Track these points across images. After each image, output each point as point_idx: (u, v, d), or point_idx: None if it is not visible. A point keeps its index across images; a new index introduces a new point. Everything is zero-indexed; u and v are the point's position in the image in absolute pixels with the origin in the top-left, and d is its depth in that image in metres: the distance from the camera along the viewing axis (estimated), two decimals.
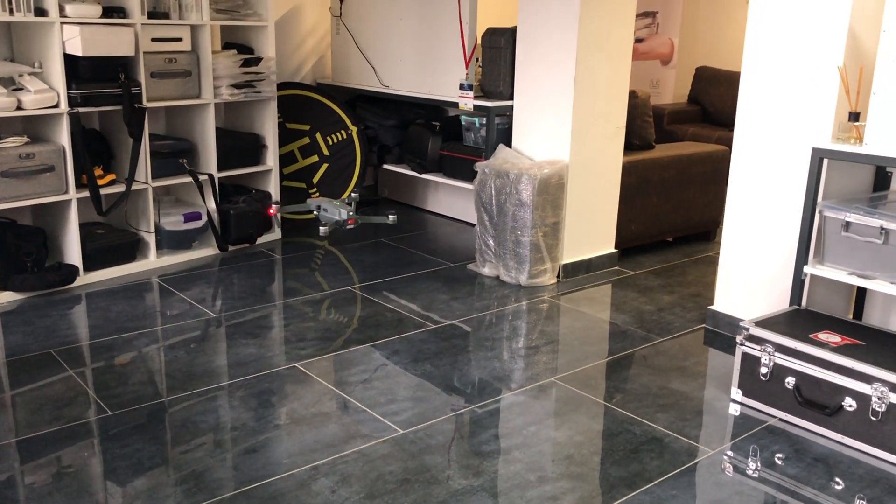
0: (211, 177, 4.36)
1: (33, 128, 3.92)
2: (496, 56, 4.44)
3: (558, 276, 4.19)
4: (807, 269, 2.97)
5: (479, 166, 4.18)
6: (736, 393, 2.90)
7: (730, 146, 3.61)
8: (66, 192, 3.81)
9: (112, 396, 2.80)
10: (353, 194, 4.35)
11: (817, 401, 2.66)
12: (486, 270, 4.24)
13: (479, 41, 4.63)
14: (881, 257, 2.75)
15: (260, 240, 4.67)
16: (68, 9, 3.67)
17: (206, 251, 4.43)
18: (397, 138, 5.24)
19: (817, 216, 2.96)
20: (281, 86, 5.10)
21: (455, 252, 4.64)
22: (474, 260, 4.41)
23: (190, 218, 4.36)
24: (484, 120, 4.58)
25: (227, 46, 4.69)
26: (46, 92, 3.67)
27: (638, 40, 7.06)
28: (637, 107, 4.56)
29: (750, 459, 2.51)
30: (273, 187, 4.72)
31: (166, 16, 4.14)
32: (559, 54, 3.99)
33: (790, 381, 2.72)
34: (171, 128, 4.59)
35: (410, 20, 4.93)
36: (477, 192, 4.20)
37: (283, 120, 5.10)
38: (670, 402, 2.88)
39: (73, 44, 3.67)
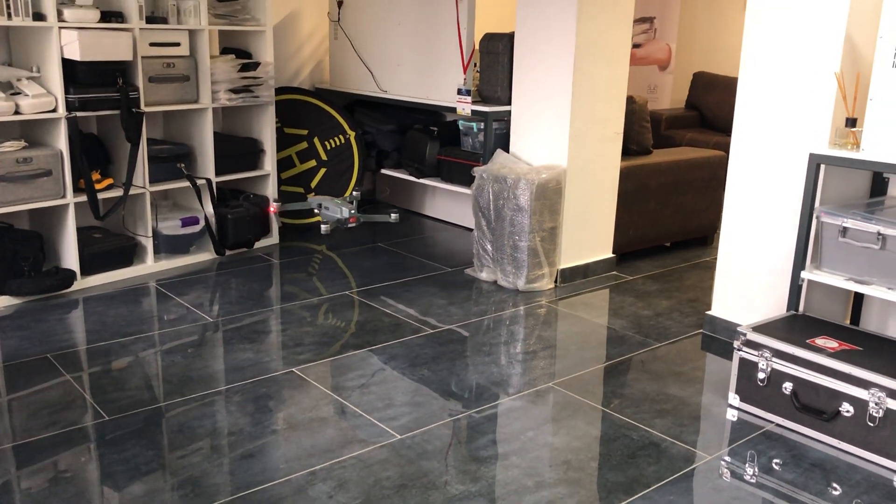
0: (209, 181, 4.36)
1: (31, 132, 3.92)
2: (494, 61, 4.44)
3: (556, 281, 4.19)
4: (804, 275, 2.98)
5: (477, 171, 4.19)
6: (733, 398, 2.90)
7: (727, 151, 3.62)
8: (64, 196, 3.81)
9: (109, 401, 2.80)
10: (354, 193, 4.32)
11: (815, 406, 2.66)
12: (484, 275, 4.24)
13: (476, 46, 4.64)
14: (878, 263, 2.75)
15: (258, 244, 4.67)
16: (66, 14, 3.67)
17: (204, 256, 4.43)
18: (395, 143, 5.25)
19: (814, 222, 2.96)
20: (279, 91, 5.11)
21: (453, 257, 4.64)
22: (472, 265, 4.41)
23: (187, 222, 4.36)
24: (482, 125, 4.58)
25: (225, 51, 4.69)
26: (44, 96, 3.67)
27: (635, 46, 7.08)
28: (635, 112, 4.57)
29: (747, 465, 2.51)
30: (271, 192, 4.72)
31: (164, 21, 4.14)
32: (557, 59, 4.00)
33: (787, 387, 2.72)
34: (169, 132, 4.59)
35: (408, 25, 4.94)
36: (475, 196, 4.20)
37: (281, 125, 5.10)
38: (668, 407, 2.88)
39: (72, 48, 3.68)
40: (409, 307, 3.80)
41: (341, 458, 2.48)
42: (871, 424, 2.52)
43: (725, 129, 6.68)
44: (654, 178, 4.55)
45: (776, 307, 3.32)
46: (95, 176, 3.96)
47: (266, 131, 4.68)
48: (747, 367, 2.84)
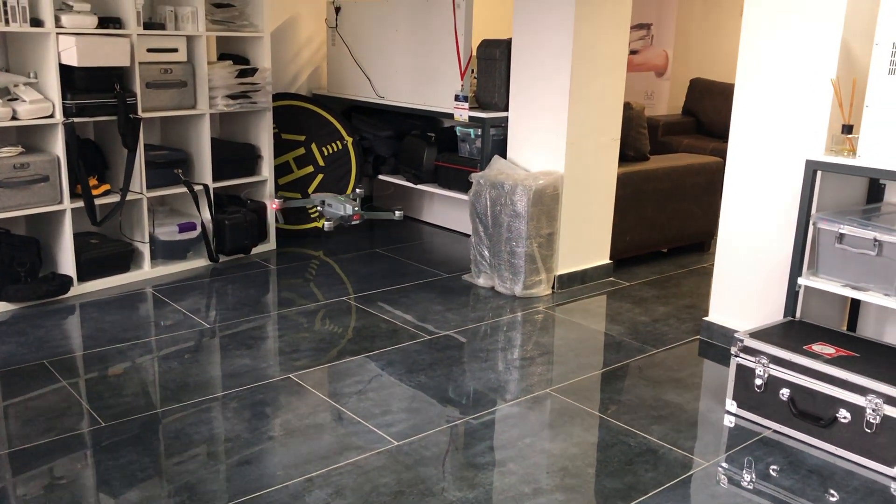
0: (206, 187, 4.36)
1: (28, 138, 3.92)
2: (491, 67, 4.45)
3: (553, 287, 4.19)
4: (801, 281, 2.98)
5: (475, 177, 4.19)
6: (730, 404, 2.90)
7: (724, 158, 3.63)
8: (61, 202, 3.80)
9: (105, 407, 2.79)
10: (357, 190, 4.29)
11: (812, 412, 2.66)
12: (481, 281, 4.24)
13: (474, 53, 4.65)
14: (875, 269, 2.76)
15: (255, 250, 4.67)
16: (64, 19, 3.67)
17: (201, 261, 4.43)
18: (392, 149, 5.25)
19: (811, 228, 2.97)
20: (276, 96, 5.11)
21: (450, 263, 4.64)
22: (469, 271, 4.41)
23: (184, 228, 4.35)
24: (479, 131, 4.59)
25: (222, 57, 4.69)
26: (41, 102, 3.66)
27: (632, 52, 7.10)
28: (632, 118, 4.57)
29: (744, 471, 2.51)
30: (268, 198, 4.72)
31: (162, 27, 4.14)
32: (554, 66, 4.01)
33: (784, 393, 2.73)
34: (167, 138, 4.59)
35: (406, 31, 4.95)
36: (472, 202, 4.21)
37: (278, 130, 5.10)
38: (665, 413, 2.88)
39: (69, 54, 3.68)
40: (406, 313, 3.80)
41: (338, 464, 2.47)
42: (868, 431, 2.52)
43: (722, 135, 6.69)
44: (651, 184, 4.55)
45: (773, 313, 3.33)
46: (92, 181, 3.96)
47: (263, 137, 4.68)
48: (744, 374, 2.84)
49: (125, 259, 4.13)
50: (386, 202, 5.82)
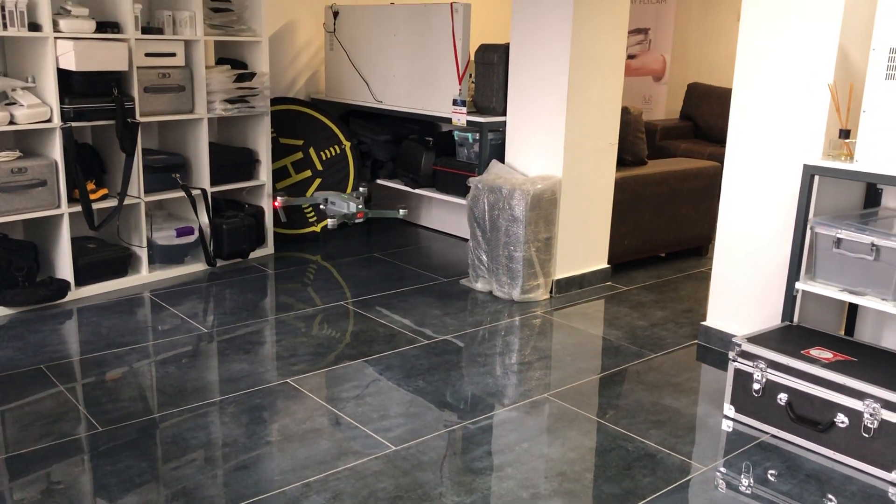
0: (204, 191, 4.36)
1: (26, 142, 3.91)
2: (489, 72, 4.46)
3: (551, 292, 4.19)
4: (798, 286, 2.98)
5: (472, 181, 4.19)
6: (728, 409, 2.90)
7: (722, 162, 3.64)
8: (59, 206, 3.80)
9: (103, 412, 2.79)
10: (360, 188, 4.27)
11: (809, 417, 2.66)
12: (479, 286, 4.24)
13: (472, 57, 4.65)
14: (872, 273, 2.76)
15: (253, 254, 4.67)
16: (62, 24, 3.67)
17: (199, 266, 4.42)
18: (390, 153, 5.25)
19: (809, 232, 2.97)
20: (274, 101, 5.11)
21: (448, 267, 4.64)
22: (467, 275, 4.41)
23: (182, 233, 4.35)
24: (477, 135, 4.59)
25: (220, 62, 4.70)
26: (39, 106, 3.66)
27: (630, 56, 7.11)
28: (629, 123, 4.58)
29: (743, 476, 2.51)
30: (266, 202, 4.72)
31: (160, 31, 4.15)
32: (552, 70, 4.01)
33: (782, 398, 2.73)
34: (165, 142, 4.59)
35: (404, 36, 4.95)
36: (470, 207, 4.21)
37: (276, 135, 5.10)
38: (663, 418, 2.88)
39: (67, 58, 3.68)
40: (404, 318, 3.79)
41: (336, 469, 2.47)
42: (866, 435, 2.52)
43: (720, 139, 6.71)
44: (648, 188, 4.56)
45: (771, 318, 3.33)
46: (90, 186, 3.96)
47: (261, 141, 4.68)
48: (742, 378, 2.84)
49: (123, 263, 4.13)
50: (384, 205, 5.82)
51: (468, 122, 4.52)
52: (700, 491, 2.42)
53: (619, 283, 4.45)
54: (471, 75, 4.68)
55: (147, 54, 4.06)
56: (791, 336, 2.92)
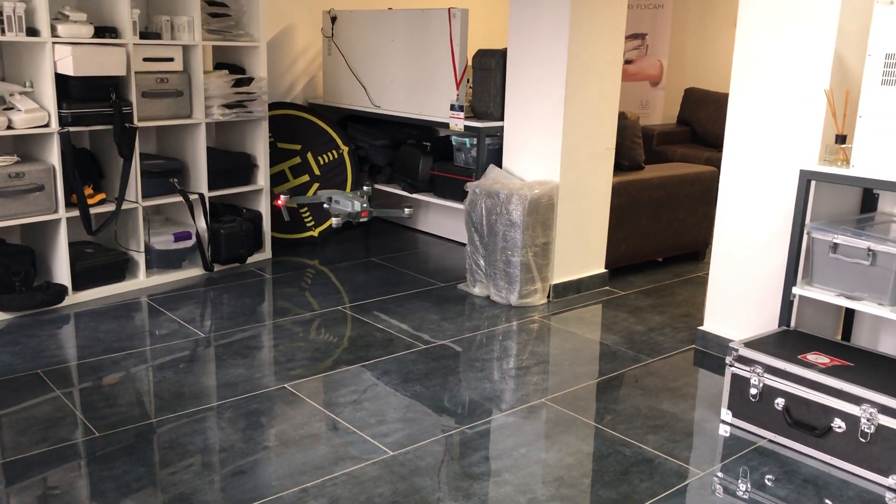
0: (201, 196, 4.36)
1: (24, 147, 3.91)
2: (486, 77, 4.46)
3: (548, 297, 4.19)
4: (795, 291, 2.99)
5: (470, 186, 4.20)
6: (726, 414, 2.90)
7: (719, 167, 3.64)
8: (56, 211, 3.80)
9: (100, 417, 2.78)
10: (364, 187, 4.25)
11: (807, 422, 2.67)
12: (477, 290, 4.24)
13: (469, 62, 4.66)
14: (868, 278, 2.77)
15: (250, 259, 4.67)
16: (60, 29, 3.68)
17: (196, 271, 4.42)
18: (388, 158, 5.26)
19: (805, 237, 2.98)
20: (272, 106, 5.11)
21: (445, 272, 4.64)
22: (465, 280, 4.41)
23: (180, 237, 4.35)
24: (474, 140, 4.60)
25: (218, 66, 4.70)
26: (37, 111, 3.67)
27: (627, 62, 7.12)
28: (627, 128, 4.59)
29: (740, 481, 2.51)
30: (264, 207, 4.72)
31: (158, 36, 4.15)
32: (549, 75, 4.02)
33: (779, 403, 2.73)
34: (163, 147, 4.59)
35: (402, 41, 4.96)
36: (467, 212, 4.21)
37: (274, 140, 5.11)
38: (660, 423, 2.88)
39: (65, 63, 3.68)
40: (401, 322, 3.79)
41: (333, 474, 2.47)
42: (863, 440, 2.53)
43: (717, 144, 6.72)
44: (646, 193, 4.57)
45: (768, 322, 3.33)
46: (88, 191, 3.96)
47: (259, 146, 4.69)
48: (739, 383, 2.85)
49: (120, 268, 4.12)
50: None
51: (466, 126, 4.53)
52: (697, 496, 2.42)
53: (616, 287, 4.46)
54: (468, 80, 4.69)
55: (145, 59, 4.07)
56: (788, 341, 2.92)
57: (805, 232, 2.97)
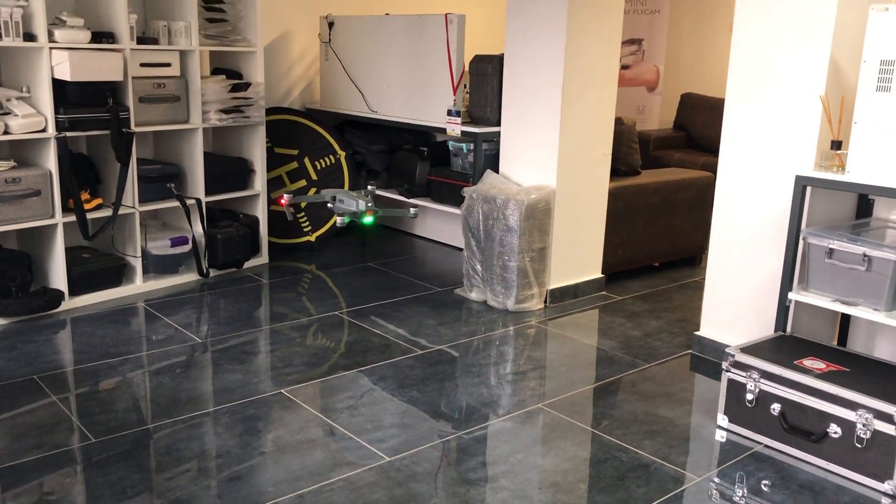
0: (198, 201, 4.36)
1: (20, 152, 3.91)
2: (483, 83, 4.47)
3: (545, 302, 4.19)
4: (791, 296, 2.99)
5: (467, 191, 4.20)
6: (722, 419, 2.90)
7: (715, 172, 3.65)
8: (53, 216, 3.80)
9: (96, 423, 2.78)
10: (369, 186, 4.24)
11: (803, 427, 2.67)
12: (474, 295, 4.24)
13: (466, 68, 4.67)
14: (864, 284, 2.77)
15: (247, 264, 4.66)
16: (57, 34, 3.68)
17: (193, 276, 4.42)
18: (385, 163, 5.26)
19: (801, 243, 2.98)
20: (269, 111, 5.12)
21: (442, 277, 4.64)
22: (462, 285, 4.41)
23: (177, 242, 4.35)
24: (471, 145, 4.61)
25: (216, 72, 4.70)
26: (34, 116, 3.66)
27: (624, 67, 7.14)
28: (623, 133, 4.60)
29: (736, 486, 2.52)
30: (261, 212, 4.72)
31: (155, 41, 4.15)
32: (546, 81, 4.03)
33: (776, 408, 2.73)
34: (159, 152, 4.59)
35: (399, 47, 4.97)
36: (464, 217, 4.22)
37: (271, 144, 5.11)
38: (657, 428, 2.88)
39: (62, 69, 3.68)
40: (398, 327, 3.80)
41: (330, 480, 2.46)
42: (859, 446, 2.53)
43: (713, 149, 6.73)
44: (642, 198, 4.57)
45: (764, 328, 3.34)
46: (85, 196, 3.95)
47: (256, 151, 4.69)
48: (735, 389, 2.85)
49: (117, 273, 4.12)
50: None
51: (463, 132, 4.53)
52: (694, 501, 2.42)
53: (613, 292, 4.46)
54: (465, 86, 4.70)
55: (142, 64, 4.07)
56: (784, 346, 2.93)
57: (801, 237, 2.97)
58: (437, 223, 5.46)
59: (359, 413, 2.92)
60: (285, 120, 5.17)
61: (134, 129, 4.00)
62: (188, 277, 4.40)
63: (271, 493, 2.39)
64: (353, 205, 4.09)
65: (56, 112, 3.72)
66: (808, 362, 2.78)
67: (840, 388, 2.57)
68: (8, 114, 3.64)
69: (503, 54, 4.29)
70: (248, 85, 4.52)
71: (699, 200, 4.87)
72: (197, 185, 4.38)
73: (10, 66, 3.87)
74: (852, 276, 2.80)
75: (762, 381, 2.76)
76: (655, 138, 6.86)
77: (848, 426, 2.55)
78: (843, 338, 3.26)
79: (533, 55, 4.08)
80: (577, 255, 4.30)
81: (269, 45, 5.30)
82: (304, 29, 5.51)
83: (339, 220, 4.17)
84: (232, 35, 4.50)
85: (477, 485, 2.46)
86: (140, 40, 4.08)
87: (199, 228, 4.39)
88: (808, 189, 3.01)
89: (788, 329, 3.11)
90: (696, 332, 3.63)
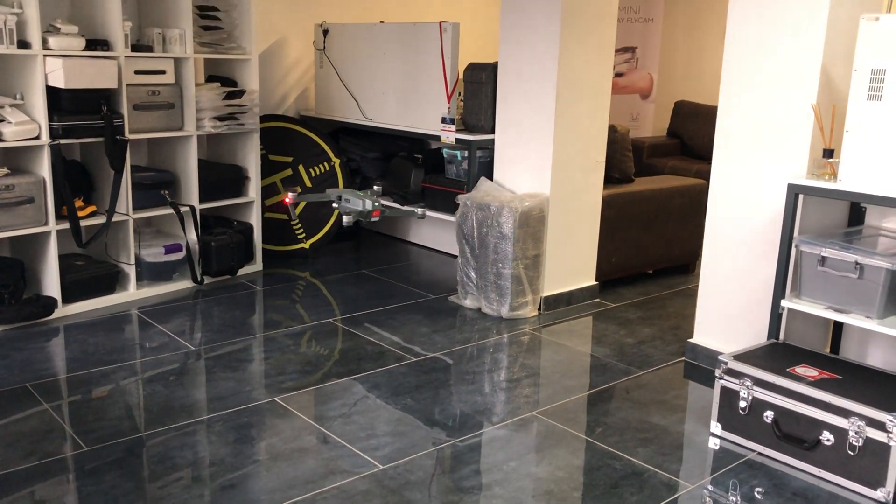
0: (192, 208, 4.36)
1: (14, 159, 3.91)
2: (478, 90, 4.49)
3: (539, 309, 4.20)
4: (784, 303, 3.00)
5: (461, 199, 4.21)
6: (715, 427, 2.91)
7: (708, 179, 3.66)
8: (46, 223, 3.79)
9: (89, 431, 2.77)
10: (375, 186, 4.23)
11: (796, 435, 2.68)
12: (468, 303, 4.24)
13: (460, 76, 4.68)
14: (856, 291, 2.78)
15: (241, 271, 4.66)
16: (51, 41, 3.68)
17: (187, 283, 4.41)
18: (380, 170, 5.27)
19: (794, 251, 3.00)
20: (264, 118, 5.12)
21: (437, 284, 4.64)
22: (456, 292, 4.42)
23: (171, 250, 4.34)
24: (466, 153, 4.61)
25: (210, 79, 4.71)
26: (28, 124, 3.66)
27: (618, 75, 7.17)
28: (617, 141, 4.61)
29: (730, 494, 2.52)
30: (255, 219, 4.72)
31: (150, 49, 4.16)
32: (539, 89, 4.04)
33: (769, 415, 2.74)
34: (154, 159, 4.59)
35: (393, 54, 4.98)
36: (459, 224, 4.22)
37: (265, 152, 5.11)
38: (650, 435, 2.88)
39: (56, 76, 3.68)
40: (392, 335, 3.79)
41: (323, 488, 2.46)
42: (852, 453, 2.54)
43: (706, 157, 6.75)
44: (636, 206, 4.59)
45: (757, 335, 3.35)
46: (78, 203, 3.95)
47: (251, 158, 4.69)
48: (729, 396, 2.86)
49: (111, 281, 4.11)
50: (375, 223, 5.82)
51: (457, 139, 4.54)
52: None
53: (606, 299, 4.47)
54: (460, 93, 4.71)
55: (136, 72, 4.07)
56: (777, 354, 2.94)
57: (793, 245, 2.99)
58: (432, 230, 5.47)
59: (352, 421, 2.91)
60: (280, 127, 5.17)
61: (128, 136, 4.00)
62: (182, 285, 4.39)
63: (264, 501, 2.38)
64: (359, 204, 4.07)
65: (50, 119, 3.72)
66: (800, 370, 2.78)
67: (833, 395, 2.58)
68: (2, 121, 3.64)
69: (497, 62, 4.31)
70: (242, 92, 4.52)
71: (692, 208, 4.89)
72: (191, 192, 4.37)
73: (3, 73, 3.87)
74: (844, 283, 2.81)
75: (755, 388, 2.77)
76: (649, 146, 6.88)
77: (840, 434, 2.56)
78: (835, 345, 3.27)
79: (527, 63, 4.09)
80: (571, 262, 4.30)
81: (263, 53, 5.31)
82: (298, 36, 5.52)
83: (345, 219, 4.15)
84: (227, 43, 4.50)
85: (471, 493, 2.46)
86: (134, 48, 4.08)
87: (193, 236, 4.38)
88: (801, 197, 3.02)
89: (781, 336, 3.12)
90: (690, 340, 3.64)
